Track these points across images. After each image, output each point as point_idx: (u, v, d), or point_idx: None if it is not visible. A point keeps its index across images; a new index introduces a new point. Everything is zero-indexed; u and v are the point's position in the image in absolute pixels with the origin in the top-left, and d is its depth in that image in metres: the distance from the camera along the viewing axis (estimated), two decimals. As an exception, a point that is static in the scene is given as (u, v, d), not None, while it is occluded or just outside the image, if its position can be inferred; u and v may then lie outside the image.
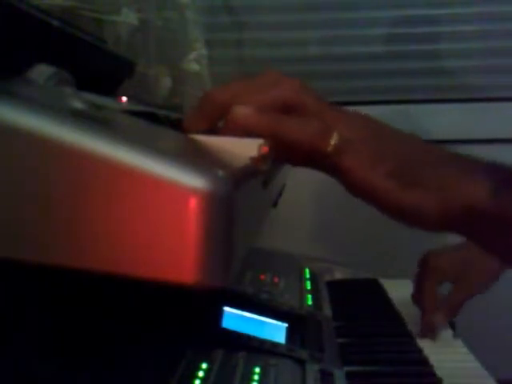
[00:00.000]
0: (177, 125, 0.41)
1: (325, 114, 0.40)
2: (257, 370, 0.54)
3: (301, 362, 0.58)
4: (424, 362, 0.63)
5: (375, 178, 0.39)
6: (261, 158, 0.33)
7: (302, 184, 1.20)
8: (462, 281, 0.78)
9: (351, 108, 0.47)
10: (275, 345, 0.60)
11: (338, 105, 0.43)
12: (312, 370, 0.57)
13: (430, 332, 0.74)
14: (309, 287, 0.85)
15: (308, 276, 0.90)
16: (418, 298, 0.78)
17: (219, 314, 0.63)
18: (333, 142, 0.38)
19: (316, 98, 0.41)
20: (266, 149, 0.35)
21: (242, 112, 0.38)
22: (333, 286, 0.90)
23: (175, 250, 0.20)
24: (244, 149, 0.34)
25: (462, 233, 0.41)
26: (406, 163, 0.40)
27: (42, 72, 0.30)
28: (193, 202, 0.20)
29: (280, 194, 0.71)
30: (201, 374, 0.51)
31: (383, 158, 0.40)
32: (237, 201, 0.22)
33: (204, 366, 0.52)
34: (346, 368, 0.60)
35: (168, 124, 0.42)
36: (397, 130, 0.43)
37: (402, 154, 0.41)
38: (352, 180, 0.39)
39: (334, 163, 0.39)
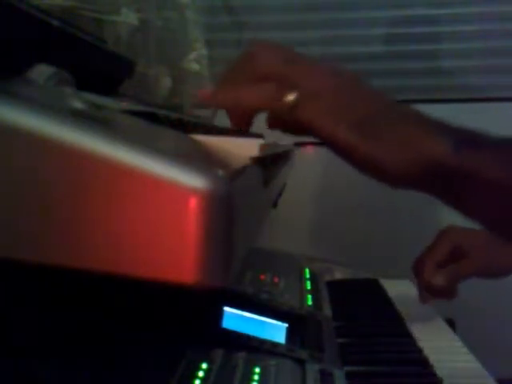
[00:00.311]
0: (177, 125, 0.41)
1: (291, 74, 0.42)
2: (257, 370, 0.54)
3: (301, 362, 0.58)
4: (424, 361, 0.63)
5: (338, 129, 0.40)
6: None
7: (302, 184, 1.20)
8: (476, 255, 0.74)
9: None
10: (275, 345, 0.60)
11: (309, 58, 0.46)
12: (312, 370, 0.57)
13: (429, 294, 0.71)
14: (309, 287, 0.85)
15: (308, 276, 0.90)
16: (417, 266, 0.74)
17: (219, 314, 0.63)
18: (292, 98, 0.40)
19: (285, 61, 0.44)
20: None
21: (203, 94, 0.44)
22: (333, 285, 0.90)
23: (175, 250, 0.20)
24: (244, 149, 0.34)
25: (426, 189, 0.42)
26: (370, 116, 0.41)
27: (42, 72, 0.30)
28: (193, 202, 0.20)
29: (280, 194, 0.71)
30: (201, 373, 0.51)
31: (347, 110, 0.41)
32: (237, 201, 0.22)
33: (204, 365, 0.52)
34: (346, 368, 0.60)
35: (168, 124, 0.42)
36: (363, 84, 0.44)
37: (365, 107, 0.42)
38: (316, 131, 0.41)
39: (295, 117, 0.41)
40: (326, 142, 0.41)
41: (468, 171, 0.39)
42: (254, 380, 0.52)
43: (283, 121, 0.42)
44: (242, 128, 0.45)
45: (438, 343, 0.71)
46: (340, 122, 0.40)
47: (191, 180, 0.20)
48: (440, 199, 0.42)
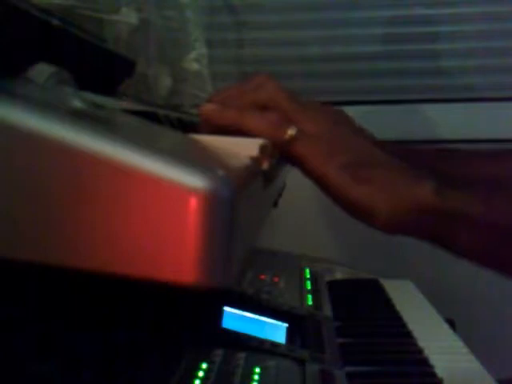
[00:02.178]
0: (177, 125, 0.41)
1: (293, 111, 0.45)
2: (257, 370, 0.54)
3: (301, 362, 0.58)
4: (424, 362, 0.63)
5: (329, 167, 0.42)
6: (263, 158, 0.34)
7: (302, 184, 1.20)
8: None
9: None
10: (275, 345, 0.60)
11: (318, 103, 0.48)
12: (312, 370, 0.57)
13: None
14: (309, 287, 0.85)
15: (308, 276, 0.90)
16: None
17: (219, 314, 0.63)
18: (290, 132, 0.43)
19: (289, 98, 0.46)
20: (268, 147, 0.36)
21: (208, 108, 0.44)
22: (333, 285, 0.89)
23: (175, 250, 0.20)
24: (244, 149, 0.34)
25: (414, 233, 0.44)
26: (361, 159, 0.43)
27: (41, 71, 0.30)
28: (193, 202, 0.20)
29: (280, 194, 0.71)
30: (201, 374, 0.51)
31: (339, 151, 0.43)
32: (237, 201, 0.21)
33: (204, 366, 0.52)
34: (347, 368, 0.60)
35: (168, 124, 0.42)
36: (356, 128, 0.47)
37: (357, 150, 0.44)
38: (307, 168, 0.43)
39: (290, 151, 0.43)
40: (316, 181, 0.43)
41: (451, 212, 0.41)
42: (254, 380, 0.52)
43: (279, 151, 0.44)
44: None
45: (438, 343, 0.71)
46: (331, 163, 0.42)
47: (191, 180, 0.20)
48: (429, 242, 0.44)
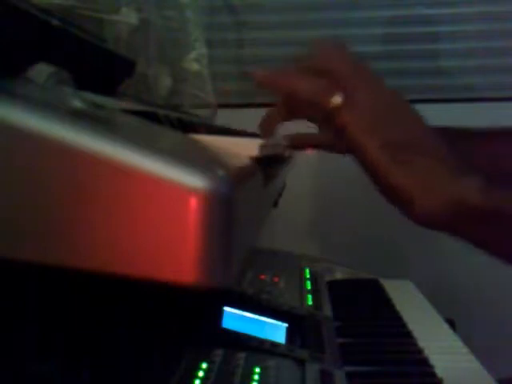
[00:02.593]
0: (177, 125, 0.41)
1: (350, 77, 0.43)
2: (257, 370, 0.54)
3: (301, 362, 0.58)
4: (424, 362, 0.63)
5: (370, 142, 0.40)
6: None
7: (302, 184, 1.20)
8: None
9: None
10: (275, 345, 0.60)
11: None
12: (312, 369, 0.57)
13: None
14: (309, 287, 0.85)
15: (308, 276, 0.90)
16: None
17: (219, 314, 0.63)
18: (336, 99, 0.41)
19: (351, 65, 0.44)
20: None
21: (260, 73, 0.44)
22: (333, 286, 0.90)
23: (175, 250, 0.20)
24: (244, 149, 0.34)
25: (447, 229, 0.41)
26: (405, 140, 0.41)
27: (41, 71, 0.30)
28: (193, 202, 0.20)
29: (280, 194, 0.71)
30: (201, 373, 0.51)
31: (385, 126, 0.41)
32: (237, 200, 0.21)
33: (204, 365, 0.52)
34: (346, 368, 0.60)
35: (168, 124, 0.42)
36: (411, 111, 0.45)
37: (403, 133, 0.41)
38: (347, 137, 0.41)
39: (334, 118, 0.41)
40: (354, 152, 0.41)
41: (496, 211, 0.39)
42: (254, 380, 0.52)
43: (326, 121, 0.42)
44: (289, 119, 0.47)
45: (438, 343, 0.71)
46: (374, 138, 0.40)
47: (191, 180, 0.20)
48: (464, 238, 0.41)
